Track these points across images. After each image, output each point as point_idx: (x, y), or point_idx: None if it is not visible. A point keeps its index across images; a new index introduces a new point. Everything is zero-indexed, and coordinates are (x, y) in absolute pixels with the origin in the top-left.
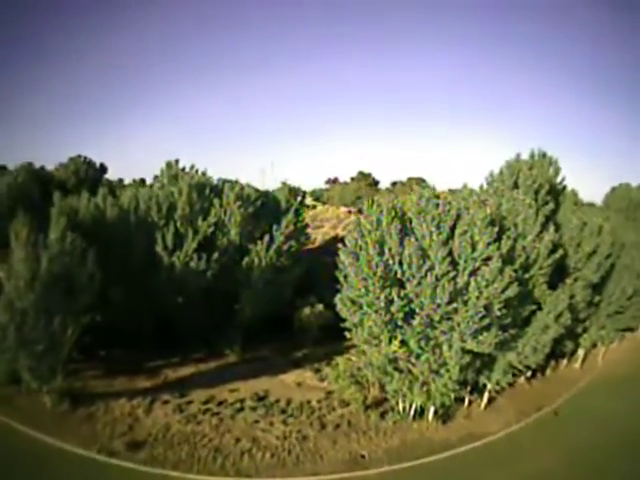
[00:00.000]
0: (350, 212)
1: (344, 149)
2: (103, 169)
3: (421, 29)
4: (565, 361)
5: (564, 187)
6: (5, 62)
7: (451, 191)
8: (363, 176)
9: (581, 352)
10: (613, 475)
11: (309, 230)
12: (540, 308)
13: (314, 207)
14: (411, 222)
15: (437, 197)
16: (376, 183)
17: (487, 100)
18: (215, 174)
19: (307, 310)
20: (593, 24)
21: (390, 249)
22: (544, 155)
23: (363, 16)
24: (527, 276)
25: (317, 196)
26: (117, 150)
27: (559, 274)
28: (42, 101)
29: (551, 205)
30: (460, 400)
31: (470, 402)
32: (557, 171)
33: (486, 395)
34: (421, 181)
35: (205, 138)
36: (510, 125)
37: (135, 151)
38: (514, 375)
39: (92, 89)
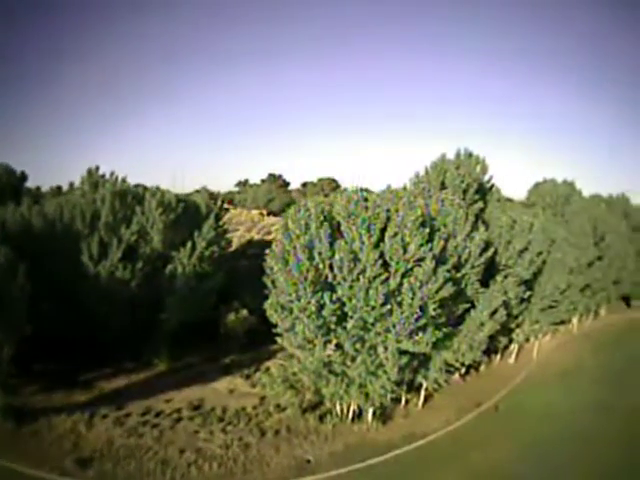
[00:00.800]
0: (263, 214)
1: (252, 150)
2: (23, 177)
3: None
4: (498, 357)
5: (492, 186)
6: None
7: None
8: (274, 178)
9: (514, 347)
10: (558, 466)
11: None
12: (473, 306)
13: (226, 210)
14: (339, 225)
15: (366, 200)
16: (287, 184)
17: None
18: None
19: (232, 316)
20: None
21: (320, 253)
22: (470, 154)
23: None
24: (459, 275)
25: (229, 199)
26: (32, 156)
27: (489, 272)
28: None
29: (480, 204)
30: (397, 400)
31: (407, 401)
32: (484, 170)
33: (422, 394)
34: (332, 181)
35: (109, 142)
36: (418, 124)
37: (50, 157)
38: (450, 372)
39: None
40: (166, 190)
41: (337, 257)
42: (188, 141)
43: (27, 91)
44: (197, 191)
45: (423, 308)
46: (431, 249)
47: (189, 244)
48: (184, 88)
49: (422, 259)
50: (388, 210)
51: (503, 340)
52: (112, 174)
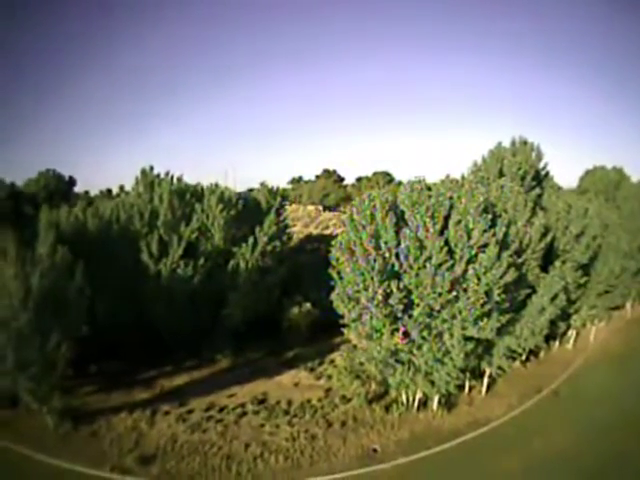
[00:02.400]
0: (319, 210)
1: (304, 147)
2: (72, 182)
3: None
4: (557, 342)
5: (547, 172)
6: None
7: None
8: (328, 173)
9: (572, 332)
10: (621, 449)
11: None
12: (534, 291)
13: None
14: (404, 214)
15: (429, 188)
16: (341, 180)
17: (453, 91)
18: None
19: (295, 310)
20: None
21: (386, 242)
22: (525, 142)
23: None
24: (521, 260)
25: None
26: (76, 163)
27: (548, 257)
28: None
29: (537, 190)
30: (461, 387)
31: (471, 388)
32: (540, 157)
33: (485, 380)
34: (386, 175)
35: (161, 142)
36: (469, 116)
37: (91, 163)
38: (513, 359)
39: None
40: (225, 187)
41: (403, 245)
42: (237, 141)
43: (59, 92)
44: (250, 189)
45: (488, 294)
46: (494, 235)
47: (251, 239)
48: (233, 85)
49: (486, 245)
50: (451, 198)
51: (562, 326)
52: (167, 173)
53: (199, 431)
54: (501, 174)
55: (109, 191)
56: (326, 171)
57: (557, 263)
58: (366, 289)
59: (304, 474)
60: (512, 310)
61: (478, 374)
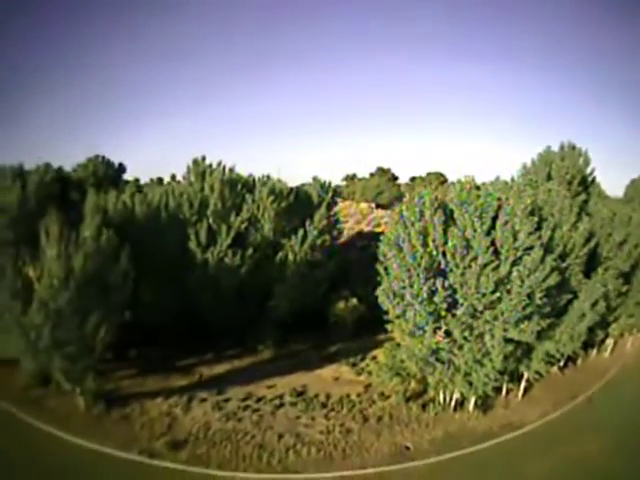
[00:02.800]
0: (371, 207)
1: (359, 145)
2: (122, 169)
3: (435, 28)
4: (595, 350)
5: (594, 178)
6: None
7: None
8: (382, 172)
9: (610, 341)
10: None
11: None
12: (576, 297)
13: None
14: (453, 213)
15: (478, 188)
16: (395, 178)
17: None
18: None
19: (341, 304)
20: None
21: (434, 240)
22: (573, 147)
23: (380, 13)
24: (564, 265)
25: (338, 193)
26: (131, 149)
27: (590, 263)
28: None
29: (583, 196)
30: (499, 390)
31: (508, 392)
32: (587, 162)
33: (523, 384)
34: (440, 176)
35: (216, 136)
36: (523, 121)
37: (148, 151)
38: (551, 364)
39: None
40: (277, 179)
41: (450, 244)
42: (292, 135)
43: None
44: (302, 184)
45: (530, 296)
46: (539, 237)
47: (300, 232)
48: (289, 82)
49: (531, 247)
50: (499, 199)
51: (600, 333)
52: (219, 164)
53: (234, 420)
54: (549, 178)
55: (160, 180)
56: (380, 169)
57: (600, 270)
58: (411, 285)
59: (335, 467)
60: (553, 314)
61: (516, 378)
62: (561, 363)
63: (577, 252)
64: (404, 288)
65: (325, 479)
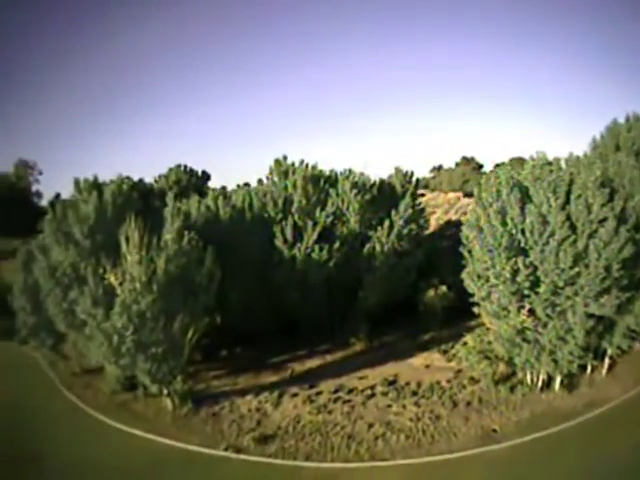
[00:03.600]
0: (459, 197)
1: (442, 136)
2: (205, 176)
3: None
4: None
5: None
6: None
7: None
8: (467, 161)
9: None
10: None
11: None
12: None
13: (422, 195)
14: (528, 190)
15: (550, 164)
16: (480, 167)
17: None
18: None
19: (431, 292)
20: None
21: (512, 219)
22: (638, 118)
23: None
24: (639, 236)
25: (424, 184)
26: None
27: None
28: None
29: None
30: (583, 368)
31: (592, 369)
32: None
33: (607, 361)
34: (523, 161)
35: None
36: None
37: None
38: (633, 339)
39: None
40: (360, 172)
41: (527, 221)
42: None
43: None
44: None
45: (607, 269)
46: (612, 209)
47: (387, 223)
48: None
49: (605, 219)
50: (571, 173)
51: None
52: (302, 162)
53: (324, 412)
54: (617, 150)
55: (247, 184)
56: (465, 158)
57: None
58: (494, 266)
59: (423, 453)
60: (632, 288)
61: (600, 355)
62: None
63: None
64: (487, 269)
65: (412, 465)
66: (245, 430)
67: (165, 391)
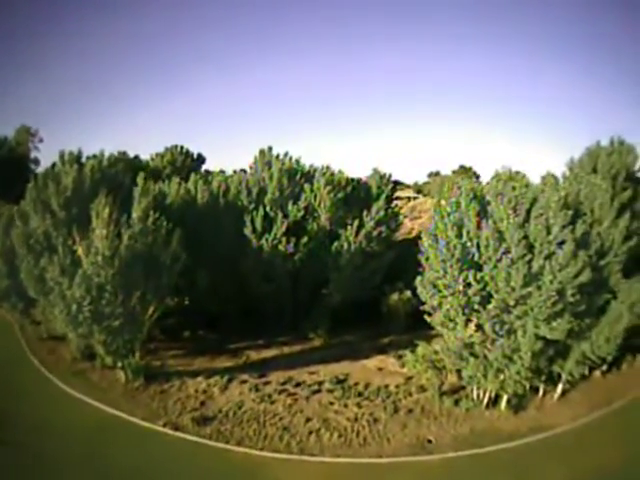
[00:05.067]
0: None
1: (445, 143)
2: (201, 159)
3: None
4: None
5: None
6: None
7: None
8: (464, 170)
9: None
10: None
11: (407, 221)
12: (615, 297)
13: (415, 199)
14: (489, 205)
15: (513, 180)
16: (477, 177)
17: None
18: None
19: (395, 296)
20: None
21: (468, 232)
22: (622, 142)
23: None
24: (603, 263)
25: (418, 189)
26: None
27: (637, 263)
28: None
29: (629, 192)
30: (535, 390)
31: (544, 393)
32: (635, 158)
33: (560, 386)
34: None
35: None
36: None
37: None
38: (591, 368)
39: None
40: (338, 170)
41: (483, 236)
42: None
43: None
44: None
45: (561, 293)
46: (573, 232)
47: (356, 222)
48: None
49: (564, 242)
50: (534, 191)
51: None
52: (286, 154)
53: (267, 402)
54: (595, 172)
55: (244, 171)
56: (462, 167)
57: None
58: (445, 277)
59: (351, 453)
60: (590, 314)
61: (555, 379)
62: (604, 367)
63: (616, 250)
64: (439, 279)
65: (338, 464)
66: (188, 409)
67: (119, 364)
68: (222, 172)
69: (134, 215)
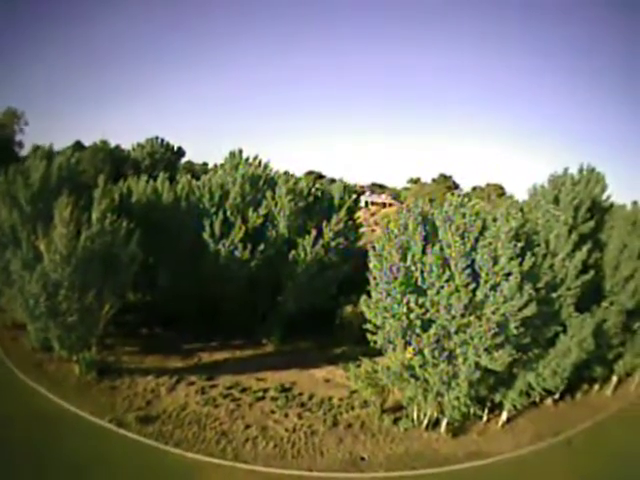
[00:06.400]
0: None
1: (426, 150)
2: (180, 152)
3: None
4: (597, 386)
5: (611, 205)
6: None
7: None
8: (444, 178)
9: (614, 379)
10: None
11: (379, 229)
12: (565, 331)
13: (390, 205)
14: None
15: (464, 206)
16: (456, 186)
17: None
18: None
19: (349, 308)
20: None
21: (414, 255)
22: (592, 170)
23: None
24: (554, 296)
25: (395, 195)
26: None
27: (596, 297)
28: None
29: (591, 223)
30: (479, 417)
31: (489, 419)
32: (603, 188)
33: (505, 414)
34: (499, 188)
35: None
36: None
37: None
38: (541, 399)
39: None
40: (301, 178)
41: (428, 261)
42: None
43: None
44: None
45: (503, 325)
46: (520, 264)
47: (314, 232)
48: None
49: (510, 274)
50: (485, 219)
51: (600, 370)
52: (255, 158)
53: (211, 405)
54: (556, 201)
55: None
56: (442, 176)
57: (604, 304)
58: (387, 298)
59: (282, 464)
60: (537, 346)
61: (499, 406)
62: (556, 396)
63: (569, 283)
64: (381, 301)
65: (268, 474)
66: (134, 408)
67: (74, 357)
68: (205, 164)
69: (93, 216)
